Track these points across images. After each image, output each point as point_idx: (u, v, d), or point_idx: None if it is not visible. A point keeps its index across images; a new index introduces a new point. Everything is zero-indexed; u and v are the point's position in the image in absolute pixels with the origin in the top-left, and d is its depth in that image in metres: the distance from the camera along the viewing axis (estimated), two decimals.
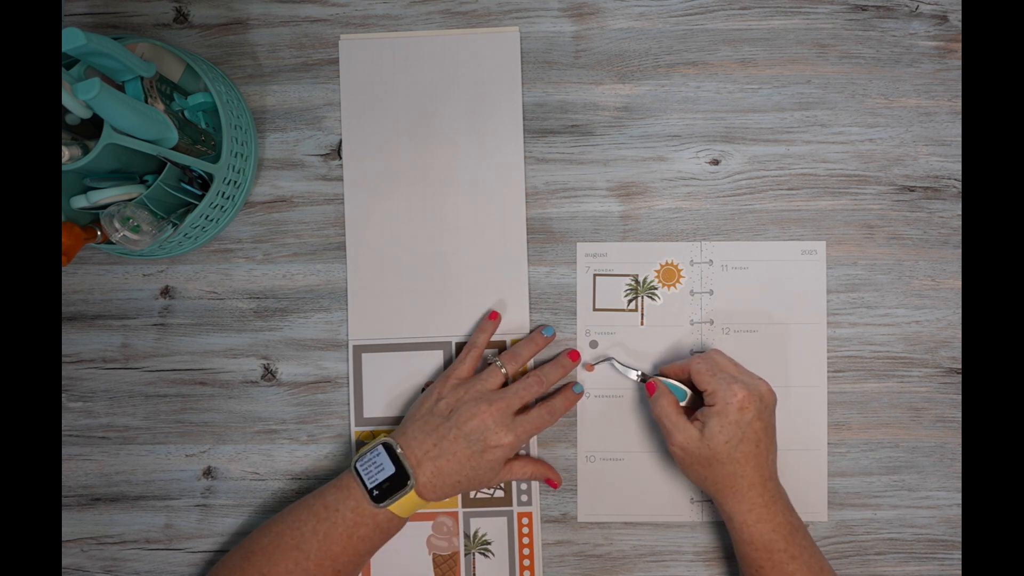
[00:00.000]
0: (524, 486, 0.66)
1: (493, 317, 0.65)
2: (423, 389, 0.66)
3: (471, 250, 0.67)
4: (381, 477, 0.58)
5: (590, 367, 0.66)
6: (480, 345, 0.64)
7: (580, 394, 0.65)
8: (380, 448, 0.59)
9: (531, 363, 0.65)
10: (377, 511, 0.58)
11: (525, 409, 0.62)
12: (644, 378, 0.65)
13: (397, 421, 0.66)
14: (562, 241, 0.67)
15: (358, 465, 0.59)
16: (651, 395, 0.62)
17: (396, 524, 0.60)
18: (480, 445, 0.59)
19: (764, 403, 0.58)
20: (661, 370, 0.65)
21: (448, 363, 0.66)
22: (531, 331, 0.66)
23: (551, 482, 0.64)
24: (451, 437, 0.59)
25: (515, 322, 0.66)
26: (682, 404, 0.62)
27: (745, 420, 0.57)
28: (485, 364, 0.65)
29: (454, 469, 0.59)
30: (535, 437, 0.66)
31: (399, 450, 0.59)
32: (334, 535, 0.58)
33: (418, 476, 0.58)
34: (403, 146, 0.67)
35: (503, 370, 0.62)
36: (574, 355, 0.65)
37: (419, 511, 0.65)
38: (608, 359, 0.66)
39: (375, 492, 0.58)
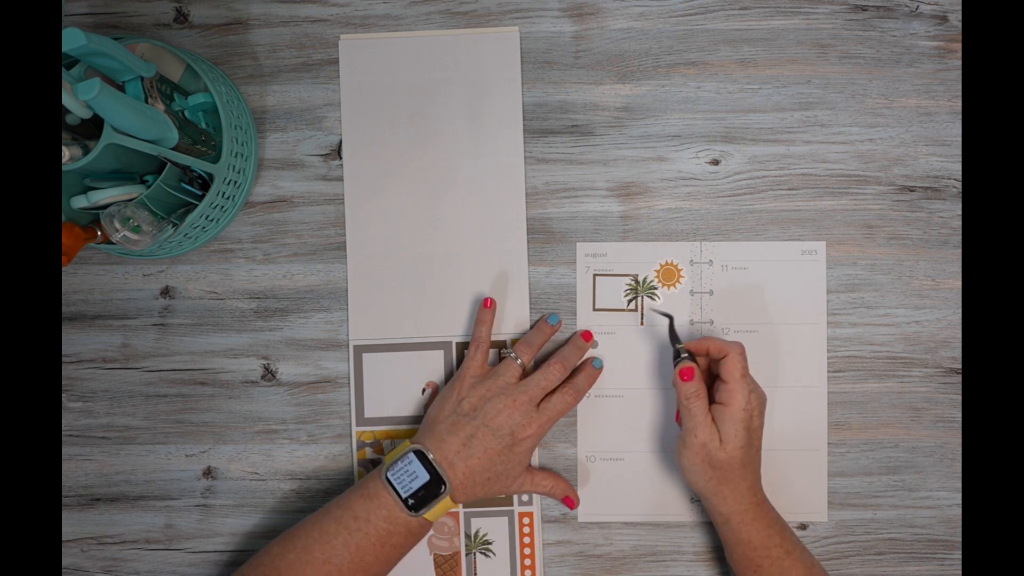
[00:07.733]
0: None
1: (487, 305, 0.64)
2: (423, 391, 0.66)
3: (471, 250, 0.67)
4: (416, 485, 0.58)
5: (588, 336, 0.65)
6: (484, 338, 0.64)
7: (600, 369, 0.65)
8: (411, 456, 0.58)
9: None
10: (411, 519, 0.58)
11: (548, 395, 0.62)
12: (680, 355, 0.60)
13: (398, 421, 0.66)
14: (562, 241, 0.67)
15: (389, 475, 0.58)
16: (685, 379, 0.58)
17: (427, 528, 0.59)
18: (509, 439, 0.59)
19: (764, 408, 0.59)
20: (686, 345, 0.61)
21: (448, 363, 0.66)
22: (537, 321, 0.66)
23: (569, 501, 0.64)
24: (480, 435, 0.59)
25: (516, 322, 0.66)
26: None
27: (754, 426, 0.58)
28: (498, 357, 0.65)
29: (484, 466, 0.59)
30: None
31: (431, 455, 0.58)
32: (367, 546, 0.57)
33: (451, 478, 0.58)
34: (403, 146, 0.67)
35: (518, 361, 0.62)
36: (587, 335, 0.65)
37: None
38: (663, 313, 0.64)
39: (410, 501, 0.57)
